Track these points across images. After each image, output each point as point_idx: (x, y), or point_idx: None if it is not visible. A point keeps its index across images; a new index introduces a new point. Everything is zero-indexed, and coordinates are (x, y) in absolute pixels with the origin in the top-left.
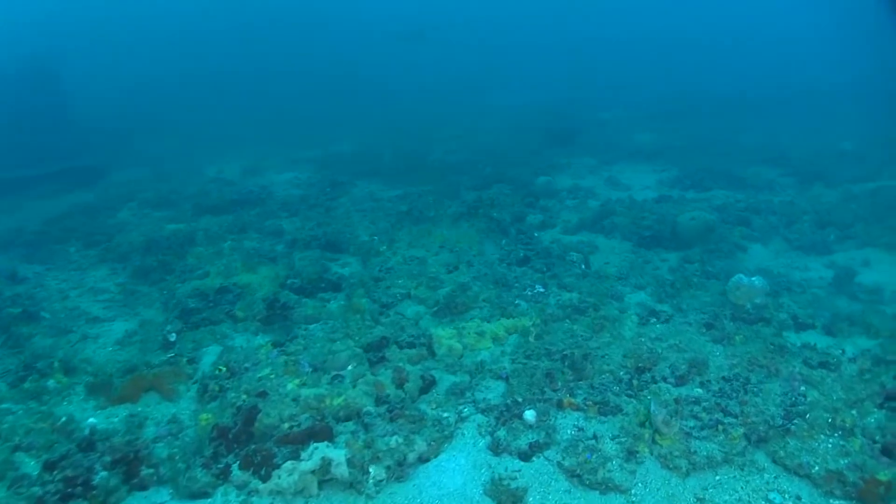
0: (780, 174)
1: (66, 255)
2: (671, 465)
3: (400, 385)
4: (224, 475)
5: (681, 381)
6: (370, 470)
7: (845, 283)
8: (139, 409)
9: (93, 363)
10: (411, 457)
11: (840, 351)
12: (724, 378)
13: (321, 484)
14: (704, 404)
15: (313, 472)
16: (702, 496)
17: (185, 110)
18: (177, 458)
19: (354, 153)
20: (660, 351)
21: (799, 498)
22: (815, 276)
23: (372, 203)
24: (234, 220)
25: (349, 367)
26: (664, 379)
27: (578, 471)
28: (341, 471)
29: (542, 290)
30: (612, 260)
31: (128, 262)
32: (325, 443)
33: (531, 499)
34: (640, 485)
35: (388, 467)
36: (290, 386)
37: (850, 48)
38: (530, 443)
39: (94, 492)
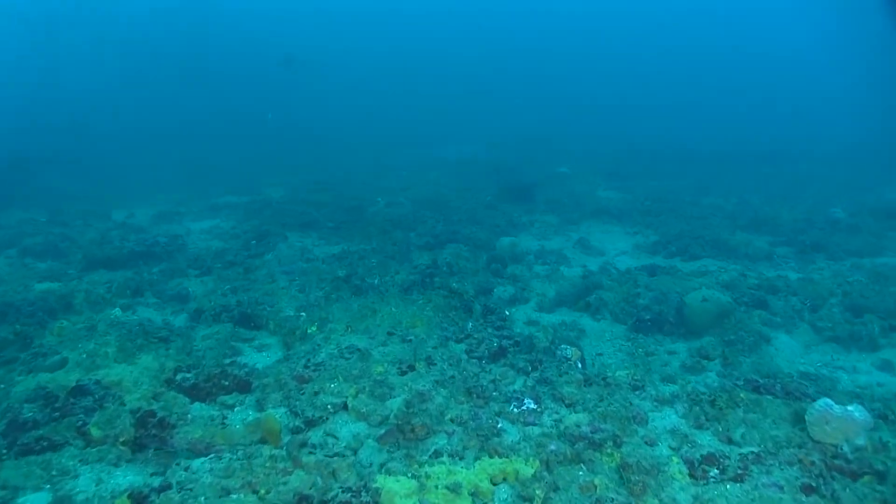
0: (770, 242)
1: None
2: None
3: None
4: None
5: None
6: None
7: None
8: None
9: None
10: None
11: None
12: None
13: None
14: None
15: None
16: None
17: (101, 144)
18: None
19: (287, 200)
20: None
21: None
22: (873, 382)
23: (303, 263)
24: (130, 277)
25: None
26: None
27: None
28: None
29: (533, 405)
30: (605, 350)
31: None
32: None
33: None
34: None
35: None
36: None
37: (826, 107)
38: None
39: None
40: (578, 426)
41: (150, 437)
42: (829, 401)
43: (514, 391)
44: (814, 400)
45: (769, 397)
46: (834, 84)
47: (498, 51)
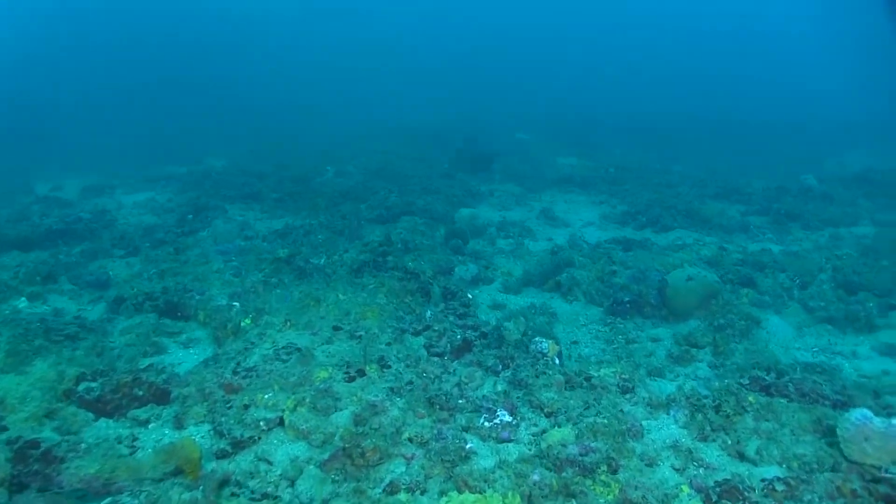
0: (743, 212)
1: None
2: None
3: None
4: None
5: None
6: None
7: None
8: None
9: None
10: None
11: None
12: None
13: None
14: None
15: None
16: None
17: (28, 113)
18: None
19: (230, 170)
20: None
21: None
22: (878, 370)
23: (241, 242)
24: (43, 261)
25: None
26: None
27: None
28: None
29: (508, 417)
30: (581, 337)
31: None
32: None
33: None
34: None
35: None
36: None
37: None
38: None
39: None
40: (564, 446)
41: (32, 474)
42: (867, 412)
43: (484, 397)
44: (833, 403)
45: (782, 400)
46: (798, 54)
47: (460, 18)
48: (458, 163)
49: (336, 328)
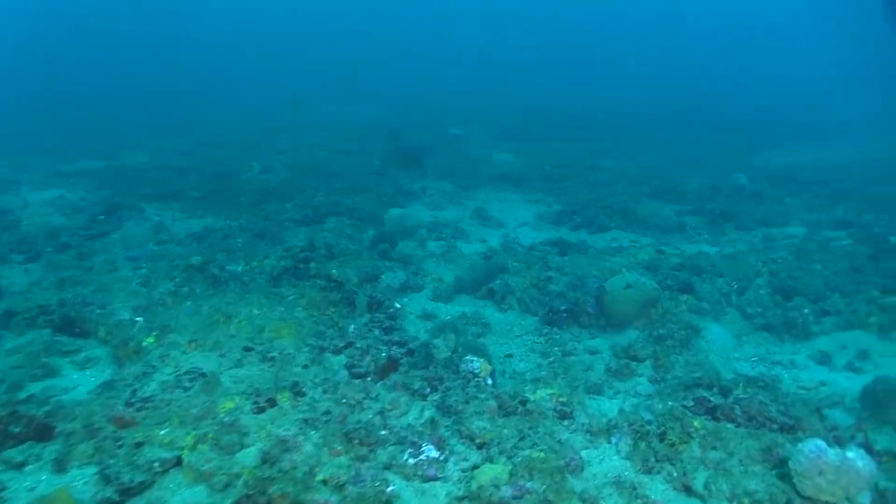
0: (678, 211)
1: None
2: None
3: None
4: None
5: None
6: None
7: (884, 396)
8: None
9: None
10: None
11: None
12: None
13: None
14: None
15: None
16: None
17: None
18: None
19: (150, 166)
20: None
21: None
22: (816, 380)
23: (154, 246)
24: None
25: None
26: None
27: None
28: None
29: (434, 452)
30: (515, 349)
31: None
32: None
33: None
34: None
35: None
36: None
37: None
38: None
39: None
40: (497, 487)
41: None
42: (820, 444)
43: (409, 427)
44: (780, 426)
45: (729, 425)
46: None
47: (397, 8)
48: (390, 159)
49: (247, 349)
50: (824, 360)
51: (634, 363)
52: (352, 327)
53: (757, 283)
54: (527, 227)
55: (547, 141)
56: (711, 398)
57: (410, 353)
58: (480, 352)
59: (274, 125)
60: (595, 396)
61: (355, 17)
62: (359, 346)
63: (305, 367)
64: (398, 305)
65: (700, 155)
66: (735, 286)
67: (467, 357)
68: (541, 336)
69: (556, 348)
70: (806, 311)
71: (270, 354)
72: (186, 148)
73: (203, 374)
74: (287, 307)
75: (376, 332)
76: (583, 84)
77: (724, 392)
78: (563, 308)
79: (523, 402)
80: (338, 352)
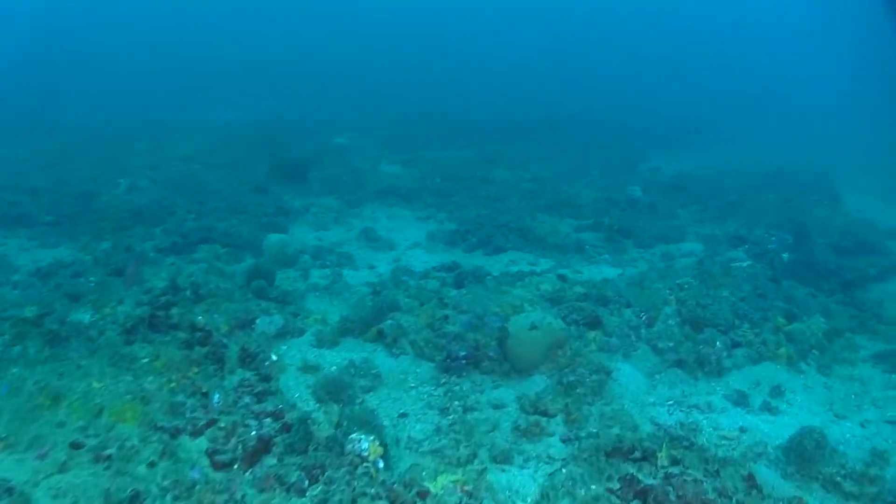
0: (575, 227)
1: None
2: None
3: None
4: None
5: None
6: None
7: (811, 450)
8: None
9: None
10: None
11: None
12: None
13: None
14: None
15: None
16: None
17: None
18: None
19: None
20: None
21: None
22: (735, 427)
23: None
24: None
25: None
26: None
27: None
28: None
29: None
30: (410, 406)
31: None
32: None
33: None
34: None
35: None
36: None
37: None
38: None
39: None
40: None
41: None
42: None
43: None
44: None
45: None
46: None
47: (284, 11)
48: (271, 172)
49: (76, 445)
50: (740, 400)
51: (544, 419)
52: (216, 397)
53: (665, 312)
54: (418, 249)
55: (436, 149)
56: (640, 477)
57: (286, 428)
58: (369, 424)
59: (144, 132)
60: (504, 467)
61: (235, 16)
62: (223, 424)
63: (152, 464)
64: (274, 357)
65: (590, 161)
66: (644, 317)
67: (354, 435)
68: (438, 386)
69: (456, 402)
70: (717, 343)
71: (107, 451)
72: (33, 158)
73: (10, 490)
74: (137, 375)
75: (246, 399)
76: (470, 88)
77: (647, 455)
78: (462, 354)
79: (422, 495)
80: (197, 432)
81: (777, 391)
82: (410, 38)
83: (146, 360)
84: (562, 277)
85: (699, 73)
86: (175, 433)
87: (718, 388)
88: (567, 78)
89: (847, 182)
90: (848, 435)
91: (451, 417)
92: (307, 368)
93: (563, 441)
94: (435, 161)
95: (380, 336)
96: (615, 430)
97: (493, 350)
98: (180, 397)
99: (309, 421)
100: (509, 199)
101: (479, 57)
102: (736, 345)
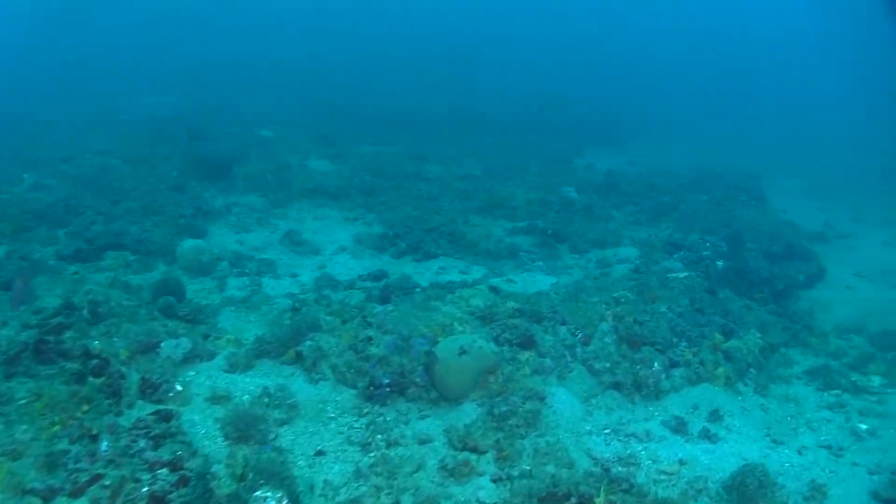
0: (509, 230)
1: None
2: None
3: None
4: None
5: None
6: None
7: (754, 490)
8: None
9: None
10: None
11: None
12: None
13: None
14: None
15: None
16: None
17: None
18: None
19: None
20: None
21: None
22: (675, 459)
23: None
24: None
25: None
26: None
27: None
28: None
29: None
30: (328, 441)
31: None
32: None
33: None
34: None
35: None
36: None
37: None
38: None
39: None
40: None
41: None
42: None
43: None
44: None
45: None
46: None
47: None
48: (191, 168)
49: None
50: (679, 427)
51: (474, 456)
52: (104, 444)
53: (602, 329)
54: (345, 254)
55: (367, 143)
56: None
57: (184, 481)
58: (278, 476)
59: (62, 120)
60: None
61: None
62: (108, 481)
63: None
64: (179, 387)
65: (526, 157)
66: (580, 335)
67: (259, 493)
68: (360, 417)
69: (378, 436)
70: (655, 364)
71: None
72: None
73: None
74: (9, 422)
75: (142, 443)
76: (404, 80)
77: (584, 501)
78: (386, 382)
79: None
80: (78, 492)
81: (716, 415)
82: (342, 27)
83: (24, 400)
84: (494, 289)
85: (638, 70)
86: (49, 496)
87: (657, 413)
88: (504, 71)
89: (773, 182)
90: (787, 464)
91: (372, 455)
92: (216, 399)
93: (494, 481)
94: (366, 156)
95: (298, 359)
96: (550, 469)
97: (420, 376)
98: (63, 444)
99: (209, 476)
100: (441, 199)
101: (413, 48)
102: (674, 364)
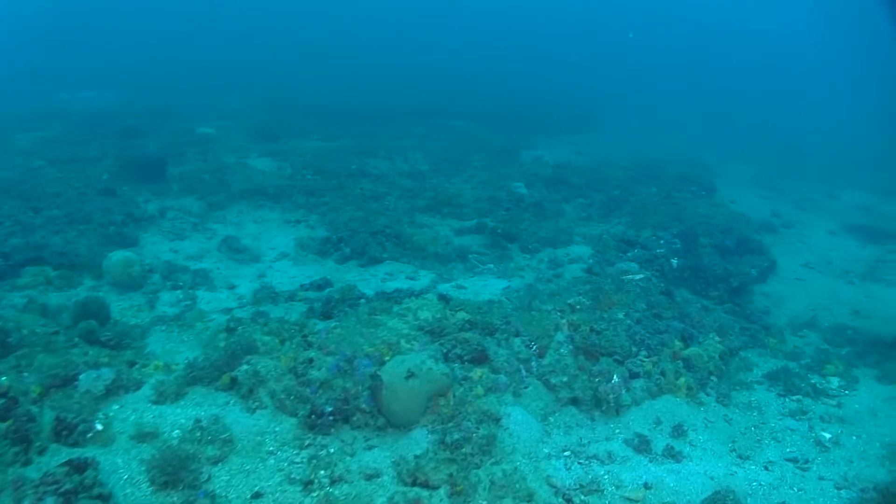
0: (457, 230)
1: None
2: None
3: None
4: None
5: None
6: None
7: None
8: None
9: None
10: None
11: None
12: None
13: None
14: None
15: None
16: None
17: None
18: None
19: None
20: None
21: None
22: (639, 483)
23: None
24: None
25: None
26: None
27: None
28: None
29: None
30: (267, 481)
31: None
32: None
33: None
34: None
35: None
36: None
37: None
38: None
39: None
40: None
41: None
42: None
43: None
44: None
45: None
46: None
47: None
48: (123, 170)
49: None
50: (642, 446)
51: (426, 492)
52: None
53: (557, 339)
54: (286, 261)
55: (312, 138)
56: None
57: None
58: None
59: None
60: None
61: None
62: None
63: None
64: (100, 426)
65: (472, 149)
66: (534, 347)
67: None
68: (302, 449)
69: (321, 472)
70: (615, 378)
71: None
72: None
73: None
74: None
75: (50, 500)
76: (349, 71)
77: None
78: (329, 410)
79: None
80: None
81: (679, 430)
82: (286, 17)
83: None
84: (443, 298)
85: (587, 61)
86: None
87: (618, 431)
88: (450, 62)
89: (721, 169)
90: (755, 483)
91: (315, 496)
92: (142, 436)
93: None
94: (309, 152)
95: (233, 385)
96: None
97: (366, 401)
98: None
99: None
100: (387, 198)
101: (364, 38)
102: (634, 376)
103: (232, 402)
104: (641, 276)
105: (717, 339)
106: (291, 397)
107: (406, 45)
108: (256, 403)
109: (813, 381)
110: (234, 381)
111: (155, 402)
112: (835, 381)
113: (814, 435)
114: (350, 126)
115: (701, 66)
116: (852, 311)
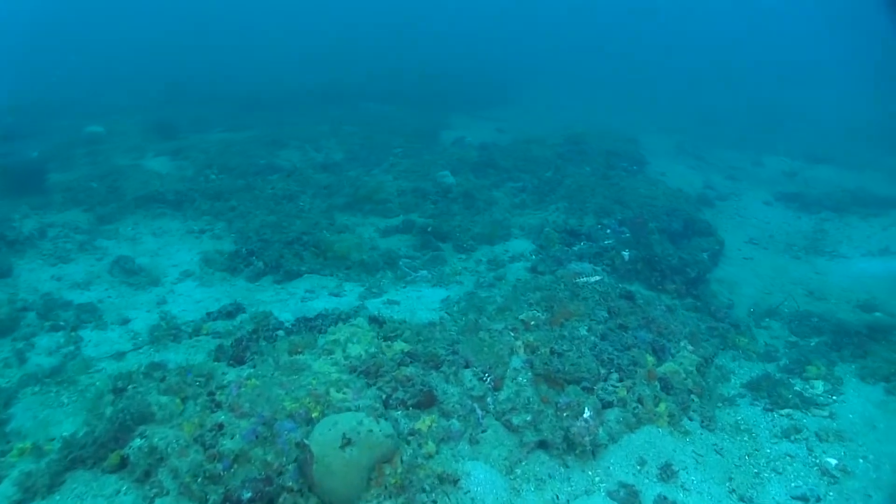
0: (382, 230)
1: None
2: None
3: None
4: None
5: None
6: None
7: None
8: None
9: None
10: None
11: None
12: None
13: None
14: None
15: None
16: None
17: None
18: None
19: None
20: None
21: None
22: None
23: None
24: None
25: None
26: None
27: None
28: None
29: None
30: None
31: None
32: None
33: None
34: None
35: None
36: None
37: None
38: None
39: None
40: None
41: None
42: None
43: None
44: None
45: None
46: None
47: None
48: None
49: None
50: (630, 499)
51: None
52: None
53: (514, 366)
54: (190, 281)
55: (213, 130)
56: None
57: None
58: None
59: None
60: None
61: None
62: None
63: None
64: None
65: (389, 133)
66: (489, 379)
67: None
68: None
69: None
70: (586, 412)
71: None
72: None
73: None
74: None
75: None
76: (252, 56)
77: None
78: (247, 497)
79: None
80: None
81: (668, 472)
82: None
83: None
84: (375, 320)
85: (500, 34)
86: None
87: (598, 479)
88: (362, 42)
89: (644, 143)
90: None
91: None
92: None
93: None
94: (212, 147)
95: (123, 465)
96: None
97: (293, 477)
98: None
99: None
100: (301, 197)
101: (268, 19)
102: (607, 405)
103: (124, 489)
104: (597, 278)
105: (689, 347)
106: (199, 479)
107: (317, 27)
108: (155, 490)
109: (797, 389)
110: (124, 461)
111: (19, 500)
112: (819, 386)
113: (816, 461)
114: (257, 114)
115: (613, 39)
116: (807, 291)
